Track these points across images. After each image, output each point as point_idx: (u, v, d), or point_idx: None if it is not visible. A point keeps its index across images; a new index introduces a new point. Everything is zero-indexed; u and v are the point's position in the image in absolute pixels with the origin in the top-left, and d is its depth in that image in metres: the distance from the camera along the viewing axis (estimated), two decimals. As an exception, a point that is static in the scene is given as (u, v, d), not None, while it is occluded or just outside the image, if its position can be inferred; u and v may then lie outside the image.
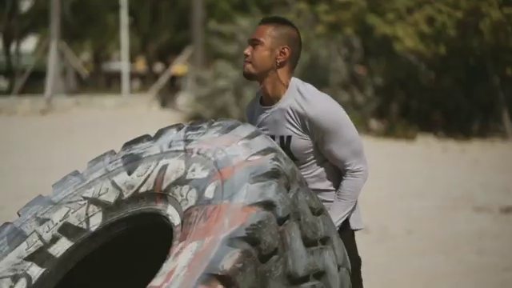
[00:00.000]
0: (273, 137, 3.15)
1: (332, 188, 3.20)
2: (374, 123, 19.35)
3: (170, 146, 2.94)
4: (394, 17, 17.89)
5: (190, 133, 2.94)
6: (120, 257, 3.25)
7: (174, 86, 38.91)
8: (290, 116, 3.10)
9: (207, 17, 28.81)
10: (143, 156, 2.98)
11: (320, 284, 2.66)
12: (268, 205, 2.52)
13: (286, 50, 3.11)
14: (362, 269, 6.53)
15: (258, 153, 2.69)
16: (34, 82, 36.71)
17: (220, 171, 2.68)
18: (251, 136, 2.78)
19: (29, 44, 40.73)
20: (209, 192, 2.64)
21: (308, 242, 2.66)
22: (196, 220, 2.58)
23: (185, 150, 2.87)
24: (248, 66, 3.12)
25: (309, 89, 3.14)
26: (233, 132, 2.83)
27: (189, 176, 2.76)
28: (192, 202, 2.67)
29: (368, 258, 6.97)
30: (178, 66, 35.41)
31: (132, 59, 39.81)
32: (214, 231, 2.48)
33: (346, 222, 3.21)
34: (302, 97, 3.10)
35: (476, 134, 17.89)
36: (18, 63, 35.79)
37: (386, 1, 18.49)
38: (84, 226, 3.00)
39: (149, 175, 2.90)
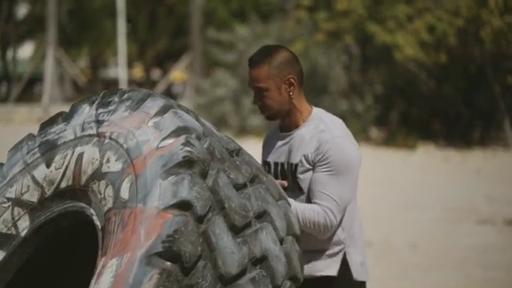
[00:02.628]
0: (282, 164, 2.97)
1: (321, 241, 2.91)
2: (373, 132, 19.25)
3: (83, 130, 2.70)
4: (394, 25, 17.82)
5: (101, 111, 2.69)
6: (60, 257, 3.03)
7: (171, 93, 38.83)
8: (306, 142, 2.91)
9: (205, 24, 28.72)
10: (59, 143, 2.75)
11: (260, 273, 2.46)
12: (183, 206, 2.32)
13: (291, 79, 2.92)
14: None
15: (169, 136, 2.46)
16: (31, 88, 36.60)
17: (133, 163, 2.48)
18: (161, 112, 2.54)
19: (25, 51, 40.63)
20: (124, 191, 2.45)
21: (238, 229, 2.44)
22: (115, 228, 2.42)
23: (97, 135, 2.64)
24: (267, 115, 2.95)
25: (334, 119, 2.97)
26: (142, 108, 2.59)
27: (104, 169, 2.55)
28: (110, 203, 2.48)
29: (370, 273, 6.86)
30: (176, 73, 35.33)
31: (129, 66, 39.75)
32: (131, 246, 2.32)
33: (348, 270, 2.93)
34: (324, 123, 2.92)
35: (477, 143, 17.80)
36: (14, 70, 35.68)
37: (385, 9, 18.42)
38: (13, 231, 2.77)
39: (66, 167, 2.67)
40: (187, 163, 2.39)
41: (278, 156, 3.00)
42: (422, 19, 17.54)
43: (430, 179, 12.79)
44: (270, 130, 3.15)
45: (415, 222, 9.12)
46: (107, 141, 2.60)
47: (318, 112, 2.98)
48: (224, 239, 2.38)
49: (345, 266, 2.94)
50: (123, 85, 30.45)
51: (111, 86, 44.69)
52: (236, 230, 2.43)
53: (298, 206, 2.85)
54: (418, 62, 17.90)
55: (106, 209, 2.50)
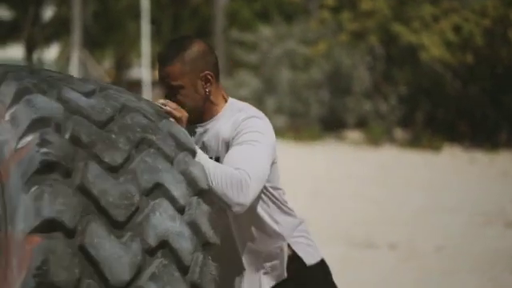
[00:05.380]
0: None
1: (271, 233, 2.75)
2: (398, 133, 19.07)
3: None
4: (420, 25, 17.65)
5: None
6: None
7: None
8: (223, 132, 2.69)
9: (229, 25, 28.68)
10: None
11: (161, 263, 2.16)
12: (48, 226, 2.02)
13: (207, 75, 2.70)
14: (389, 287, 6.24)
15: (25, 133, 2.10)
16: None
17: (0, 170, 2.15)
18: (15, 100, 2.15)
19: (51, 53, 40.87)
20: None
21: (123, 224, 2.13)
22: None
23: None
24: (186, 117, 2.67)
25: (250, 105, 2.79)
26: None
27: None
28: None
29: (395, 277, 6.73)
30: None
31: (153, 67, 39.87)
32: (8, 282, 2.08)
33: (300, 260, 2.78)
34: (240, 108, 2.73)
35: (504, 144, 17.55)
36: (39, 72, 35.88)
37: (411, 9, 18.25)
38: None
39: None
40: (46, 169, 2.06)
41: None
42: (448, 19, 17.35)
43: (456, 181, 12.61)
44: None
45: (441, 225, 8.96)
46: None
47: (233, 101, 2.78)
48: (106, 246, 2.08)
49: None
50: (147, 86, 30.51)
51: (136, 86, 44.82)
52: (120, 226, 2.13)
53: (208, 163, 2.55)
54: (443, 63, 17.72)
55: None
